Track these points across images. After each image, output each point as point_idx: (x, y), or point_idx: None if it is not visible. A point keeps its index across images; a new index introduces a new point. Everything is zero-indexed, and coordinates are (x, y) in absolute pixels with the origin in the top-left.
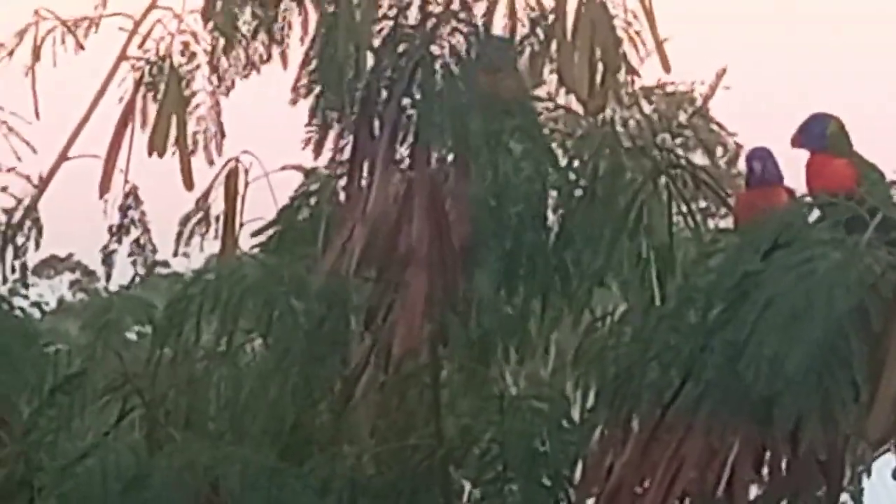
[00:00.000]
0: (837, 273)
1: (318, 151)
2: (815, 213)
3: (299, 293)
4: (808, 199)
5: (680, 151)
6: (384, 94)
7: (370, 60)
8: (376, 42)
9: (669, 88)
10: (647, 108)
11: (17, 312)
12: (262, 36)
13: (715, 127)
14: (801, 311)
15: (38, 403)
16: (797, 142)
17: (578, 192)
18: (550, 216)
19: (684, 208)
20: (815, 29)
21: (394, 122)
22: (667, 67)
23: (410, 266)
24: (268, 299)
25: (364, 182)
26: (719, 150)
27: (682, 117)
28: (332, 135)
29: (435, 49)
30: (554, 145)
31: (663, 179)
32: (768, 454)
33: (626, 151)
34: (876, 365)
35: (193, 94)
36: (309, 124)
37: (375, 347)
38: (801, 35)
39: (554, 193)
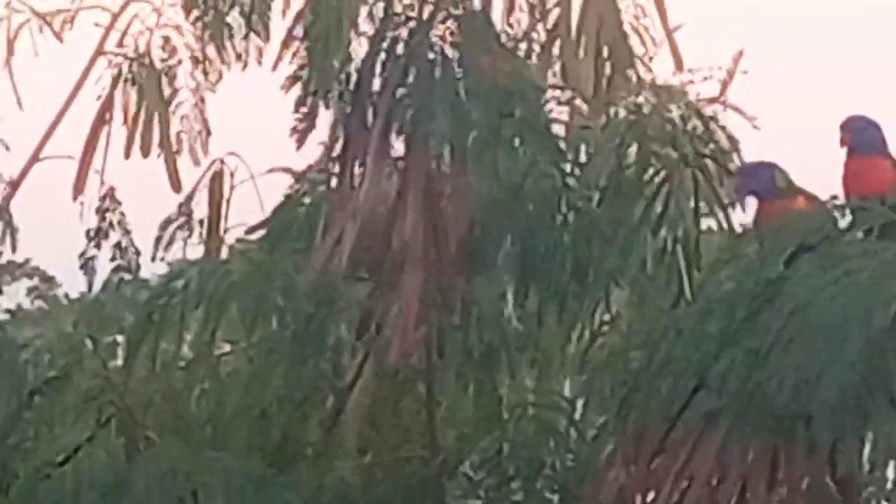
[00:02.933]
0: (875, 286)
1: (301, 141)
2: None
3: (287, 291)
4: (840, 201)
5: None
6: (377, 81)
7: (363, 45)
8: (366, 26)
9: (661, 83)
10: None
11: None
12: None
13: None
14: (836, 327)
15: (14, 408)
16: (847, 142)
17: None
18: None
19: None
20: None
21: (388, 111)
22: (679, 63)
23: (404, 265)
24: (254, 296)
25: (356, 175)
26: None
27: (675, 113)
28: (322, 125)
29: (432, 36)
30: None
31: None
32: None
33: (653, 140)
34: None
35: (176, 91)
36: (296, 111)
37: (368, 353)
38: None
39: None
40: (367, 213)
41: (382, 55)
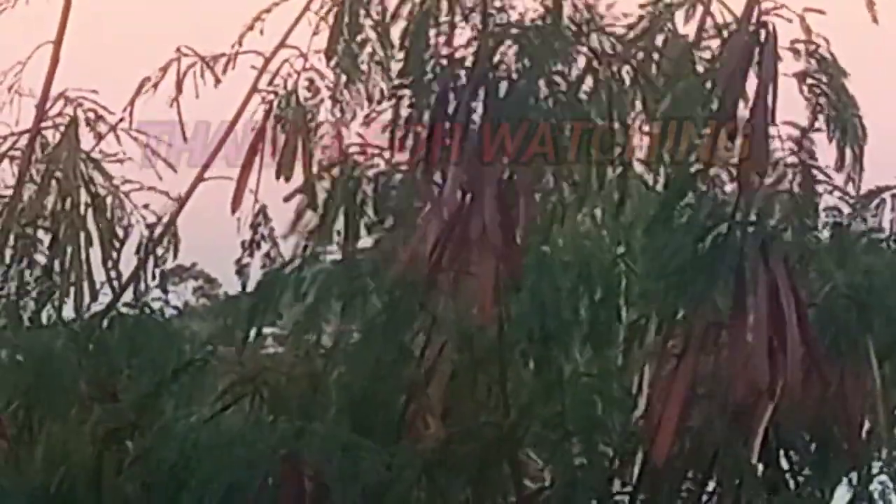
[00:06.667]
0: None
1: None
2: None
3: (376, 277)
4: None
5: None
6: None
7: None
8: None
9: None
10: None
11: (158, 316)
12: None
13: None
14: None
15: (157, 384)
16: None
17: None
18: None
19: None
20: None
21: (465, 125)
22: None
23: (480, 252)
24: (348, 281)
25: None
26: None
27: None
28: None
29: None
30: None
31: None
32: None
33: None
34: None
35: (318, 125)
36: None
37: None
38: None
39: None
40: (449, 210)
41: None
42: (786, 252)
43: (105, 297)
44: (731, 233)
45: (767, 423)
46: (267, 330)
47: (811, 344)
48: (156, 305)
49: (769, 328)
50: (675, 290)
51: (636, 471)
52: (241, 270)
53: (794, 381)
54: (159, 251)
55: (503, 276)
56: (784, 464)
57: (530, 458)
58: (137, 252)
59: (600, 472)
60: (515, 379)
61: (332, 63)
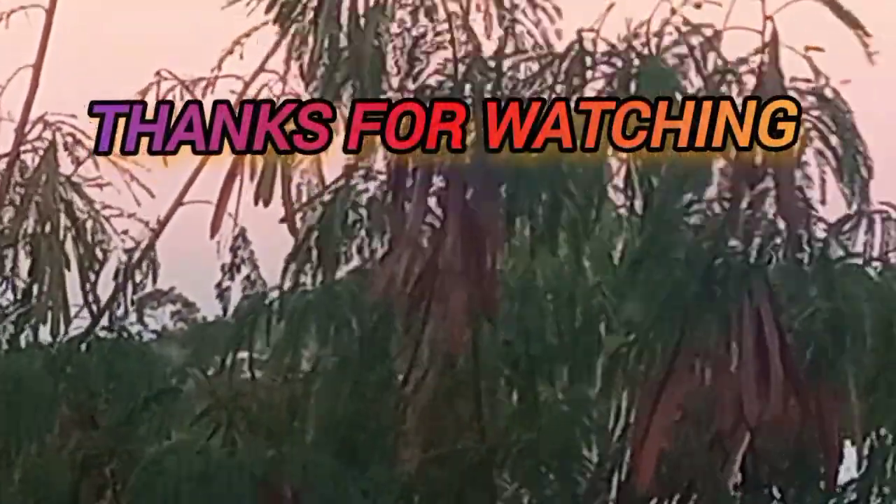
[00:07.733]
0: None
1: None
2: None
3: (354, 307)
4: None
5: None
6: None
7: None
8: None
9: None
10: None
11: (135, 340)
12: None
13: None
14: None
15: (130, 412)
16: None
17: None
18: None
19: None
20: None
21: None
22: None
23: (448, 280)
24: (327, 312)
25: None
26: None
27: None
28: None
29: None
30: None
31: None
32: None
33: None
34: None
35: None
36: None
37: (424, 354)
38: None
39: None
40: (416, 239)
41: None
42: (771, 284)
43: (83, 322)
44: (722, 265)
45: (746, 449)
46: (244, 354)
47: (794, 377)
48: (134, 330)
49: (755, 360)
50: (666, 322)
51: (613, 497)
52: (222, 294)
53: (776, 412)
54: (137, 276)
55: (476, 305)
56: (763, 489)
57: (507, 484)
58: (116, 277)
59: (576, 499)
60: (492, 405)
61: (311, 87)
